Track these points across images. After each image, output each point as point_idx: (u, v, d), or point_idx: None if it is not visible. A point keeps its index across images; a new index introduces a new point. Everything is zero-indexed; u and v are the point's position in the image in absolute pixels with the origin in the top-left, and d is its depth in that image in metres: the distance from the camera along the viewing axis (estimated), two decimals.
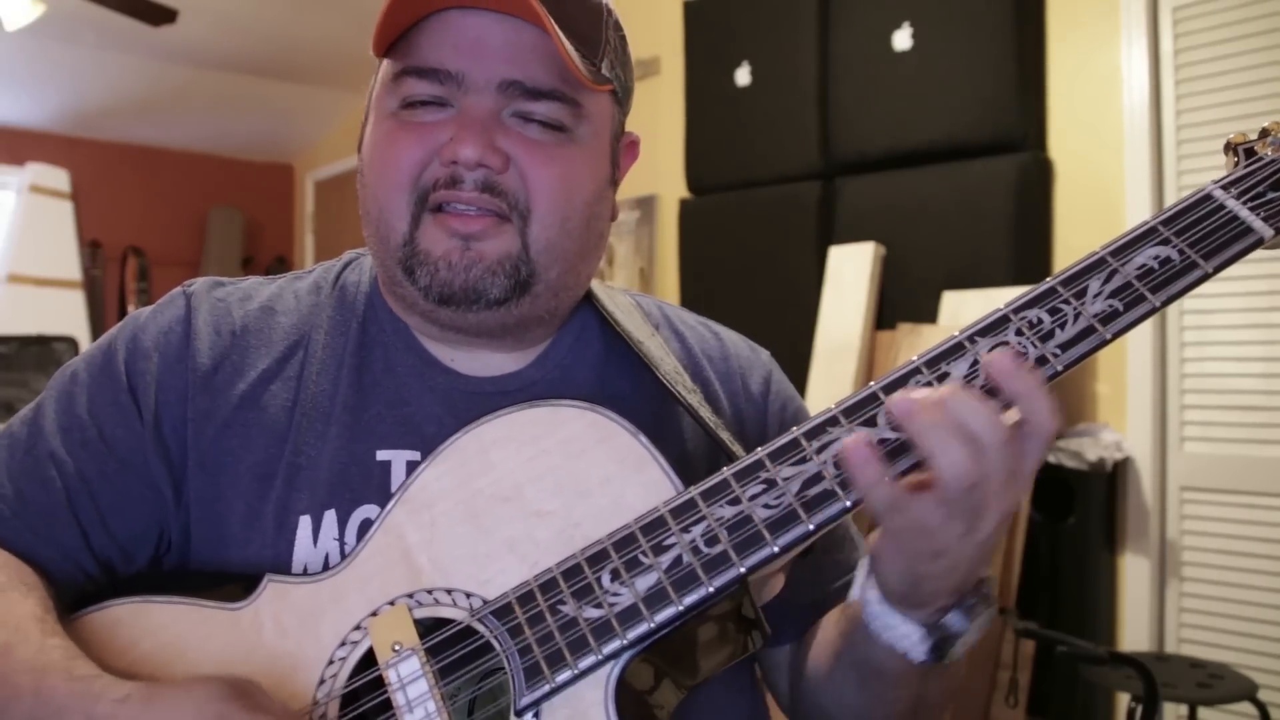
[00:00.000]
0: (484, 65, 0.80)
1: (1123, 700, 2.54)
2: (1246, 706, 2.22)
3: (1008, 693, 2.60)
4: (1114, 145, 2.90)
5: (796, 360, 3.24)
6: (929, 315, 3.05)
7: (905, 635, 0.71)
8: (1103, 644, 2.69)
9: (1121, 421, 2.85)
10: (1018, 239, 2.96)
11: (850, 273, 3.25)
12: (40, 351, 4.98)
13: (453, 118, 0.81)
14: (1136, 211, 2.83)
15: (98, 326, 5.82)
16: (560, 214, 0.83)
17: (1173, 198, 2.78)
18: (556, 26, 0.77)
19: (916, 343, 2.98)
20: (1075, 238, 2.98)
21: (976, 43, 3.04)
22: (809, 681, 0.88)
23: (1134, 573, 2.81)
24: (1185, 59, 2.79)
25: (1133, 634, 2.81)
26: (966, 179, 3.05)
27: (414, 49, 0.81)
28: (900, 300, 3.18)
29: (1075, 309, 0.69)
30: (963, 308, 2.97)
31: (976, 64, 3.03)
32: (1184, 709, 2.33)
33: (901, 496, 0.64)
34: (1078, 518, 2.81)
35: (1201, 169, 2.75)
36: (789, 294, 3.48)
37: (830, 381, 3.17)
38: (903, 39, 3.20)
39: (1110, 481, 2.82)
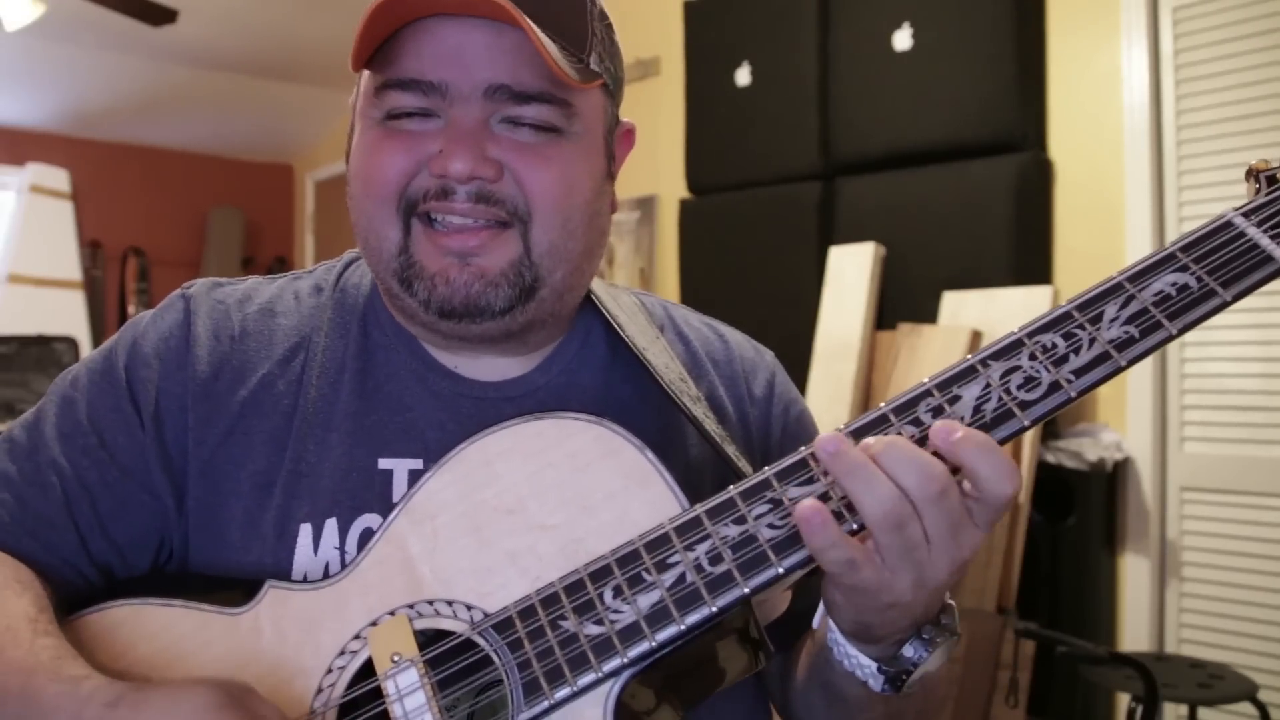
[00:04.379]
0: (467, 73, 0.77)
1: (1123, 700, 2.55)
2: (1246, 706, 2.22)
3: (1008, 693, 2.60)
4: (1114, 145, 2.90)
5: (796, 360, 3.24)
6: (929, 315, 3.05)
7: (863, 666, 0.72)
8: (1103, 644, 2.69)
9: (1121, 421, 2.85)
10: (1018, 239, 2.95)
11: (850, 273, 3.25)
12: (40, 352, 4.98)
13: (440, 129, 0.79)
14: (1136, 211, 2.83)
15: (98, 327, 5.82)
16: (561, 215, 0.81)
17: (1173, 198, 2.78)
18: (538, 27, 0.74)
19: (917, 343, 2.98)
20: (1075, 238, 2.99)
21: (976, 43, 3.03)
22: (792, 690, 0.88)
23: (1134, 573, 2.82)
24: (1185, 59, 2.79)
25: (1133, 634, 2.81)
26: (966, 179, 3.05)
27: (393, 61, 0.79)
28: (900, 300, 3.18)
29: (1090, 334, 0.67)
30: (963, 308, 2.97)
31: (976, 64, 3.03)
32: (1184, 709, 2.33)
33: (856, 558, 0.65)
34: (1078, 518, 2.81)
35: (1201, 169, 2.75)
36: (789, 294, 3.48)
37: (830, 381, 3.17)
38: (903, 39, 3.20)
39: (1110, 481, 2.82)
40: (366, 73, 0.83)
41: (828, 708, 0.81)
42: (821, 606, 0.74)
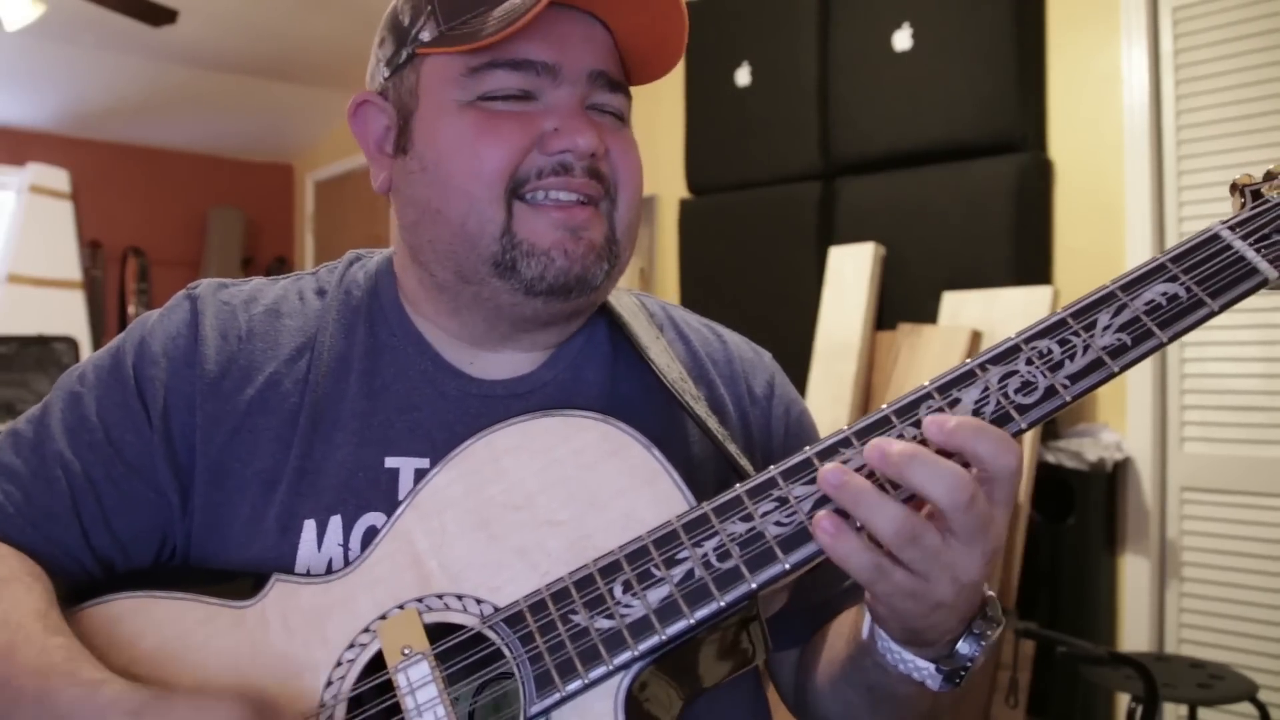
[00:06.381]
0: (575, 57, 0.82)
1: (1123, 700, 2.55)
2: (1246, 707, 2.23)
3: (1008, 693, 2.60)
4: (1114, 145, 2.90)
5: (796, 360, 3.24)
6: (929, 315, 3.05)
7: (919, 668, 0.73)
8: (1103, 644, 2.70)
9: (1121, 422, 2.85)
10: (1018, 239, 2.96)
11: (850, 273, 3.26)
12: (40, 352, 4.97)
13: (548, 109, 0.82)
14: (1136, 212, 2.84)
15: (98, 327, 5.81)
16: (636, 197, 0.87)
17: (1173, 198, 2.79)
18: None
19: (917, 343, 2.99)
20: (1075, 238, 2.99)
21: (976, 43, 3.04)
22: (817, 692, 0.89)
23: (1134, 573, 2.82)
24: (1185, 59, 2.79)
25: (1133, 634, 2.81)
26: (966, 179, 3.06)
27: (499, 43, 0.80)
28: (900, 300, 3.18)
29: (1084, 341, 0.70)
30: (963, 308, 2.97)
31: (976, 64, 3.04)
32: (1184, 709, 2.34)
33: (883, 563, 0.65)
34: (1078, 518, 2.81)
35: (1201, 169, 2.76)
36: (789, 294, 3.48)
37: (830, 381, 3.17)
38: (903, 39, 3.21)
39: (1110, 482, 2.82)
40: (434, 58, 0.83)
41: (873, 707, 0.82)
42: (868, 616, 0.75)
